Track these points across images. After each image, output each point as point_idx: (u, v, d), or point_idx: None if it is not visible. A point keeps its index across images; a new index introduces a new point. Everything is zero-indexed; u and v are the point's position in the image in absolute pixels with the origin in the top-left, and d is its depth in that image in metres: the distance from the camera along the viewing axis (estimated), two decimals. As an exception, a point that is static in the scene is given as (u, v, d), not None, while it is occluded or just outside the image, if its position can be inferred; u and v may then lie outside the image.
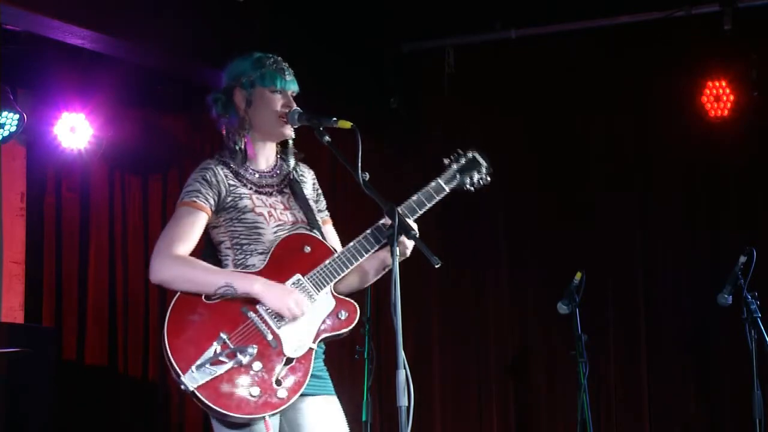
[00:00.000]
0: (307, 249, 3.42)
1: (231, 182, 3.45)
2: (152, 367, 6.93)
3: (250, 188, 3.48)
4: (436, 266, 3.27)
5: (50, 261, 6.78)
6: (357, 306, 3.42)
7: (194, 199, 3.39)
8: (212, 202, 3.41)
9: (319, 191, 3.67)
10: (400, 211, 3.37)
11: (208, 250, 3.50)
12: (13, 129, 6.30)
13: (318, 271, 3.38)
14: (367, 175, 3.32)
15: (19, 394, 5.80)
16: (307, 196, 3.58)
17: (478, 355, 7.44)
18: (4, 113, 6.25)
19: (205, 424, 6.83)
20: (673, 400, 7.01)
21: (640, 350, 7.07)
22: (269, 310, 3.31)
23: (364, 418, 5.46)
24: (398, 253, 3.21)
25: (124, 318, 6.93)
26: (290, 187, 3.56)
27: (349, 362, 6.27)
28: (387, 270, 3.49)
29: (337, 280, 3.40)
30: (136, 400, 6.96)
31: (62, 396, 6.35)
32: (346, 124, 3.37)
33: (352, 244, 3.42)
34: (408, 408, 3.05)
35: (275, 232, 3.43)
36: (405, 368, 3.06)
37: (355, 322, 3.40)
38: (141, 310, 6.96)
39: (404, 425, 3.04)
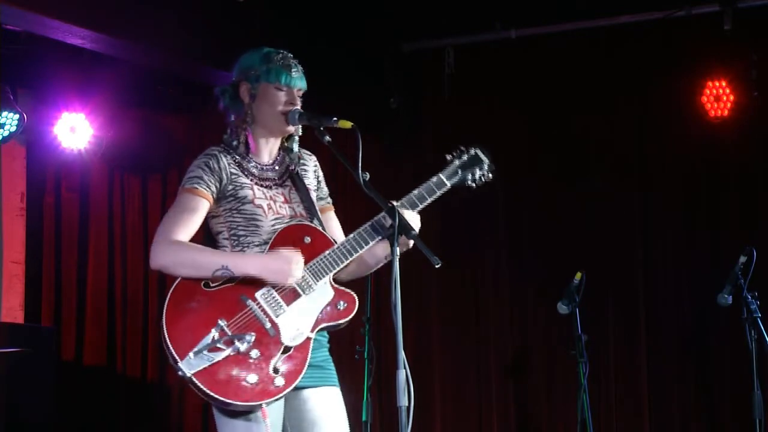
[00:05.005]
0: (307, 240, 3.42)
1: (233, 170, 3.45)
2: (151, 367, 6.93)
3: (252, 179, 3.47)
4: (436, 266, 3.27)
5: (50, 261, 6.79)
6: (356, 297, 3.42)
7: (196, 185, 3.40)
8: (214, 189, 3.41)
9: (320, 177, 3.66)
10: (401, 204, 3.39)
11: (206, 240, 3.49)
12: (13, 129, 6.31)
13: (317, 262, 3.38)
14: (368, 175, 3.33)
15: (19, 394, 5.80)
16: (308, 186, 3.58)
17: (478, 355, 7.43)
18: (4, 113, 6.26)
19: (204, 423, 6.84)
20: (673, 400, 7.00)
21: (640, 350, 7.06)
22: (268, 299, 3.31)
23: (364, 418, 5.45)
24: (398, 253, 3.21)
25: (123, 318, 6.94)
26: (291, 179, 3.56)
27: (349, 362, 6.27)
28: (387, 260, 3.45)
29: (336, 271, 3.40)
30: (135, 399, 6.96)
31: (62, 396, 6.35)
32: (347, 124, 3.38)
33: (351, 235, 3.42)
34: (408, 408, 3.05)
35: (273, 225, 3.43)
36: (405, 368, 3.06)
37: (354, 312, 3.39)
38: (140, 310, 6.96)
39: (404, 425, 3.04)
